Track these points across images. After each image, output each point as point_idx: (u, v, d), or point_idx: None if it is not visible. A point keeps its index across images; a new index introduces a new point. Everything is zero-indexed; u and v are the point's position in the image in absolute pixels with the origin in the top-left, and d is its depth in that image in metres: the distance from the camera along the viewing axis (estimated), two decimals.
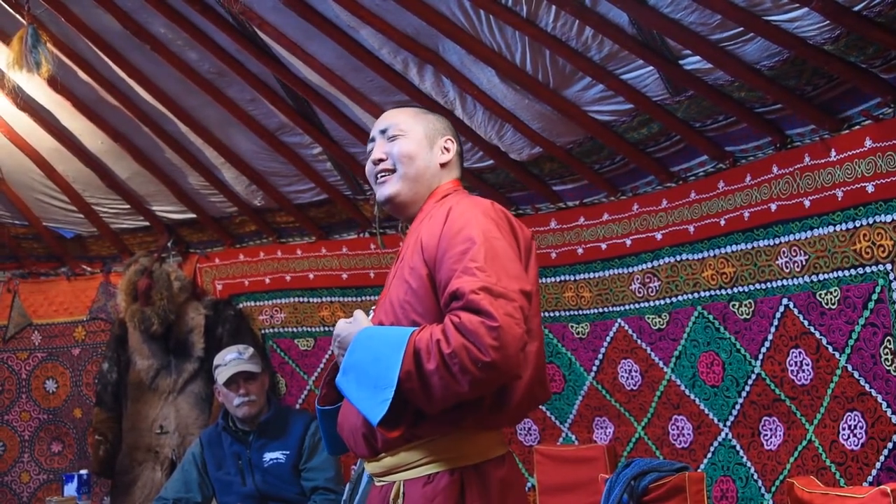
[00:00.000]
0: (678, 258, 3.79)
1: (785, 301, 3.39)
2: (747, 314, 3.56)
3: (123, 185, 4.98)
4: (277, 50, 3.93)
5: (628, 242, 3.98)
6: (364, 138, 4.08)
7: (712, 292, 3.68)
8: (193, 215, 5.07)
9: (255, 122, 4.39)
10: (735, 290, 3.59)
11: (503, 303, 1.88)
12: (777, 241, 3.39)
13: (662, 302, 3.88)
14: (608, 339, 4.10)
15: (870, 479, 3.04)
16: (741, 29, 3.00)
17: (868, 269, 3.07)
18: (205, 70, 4.19)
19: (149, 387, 4.84)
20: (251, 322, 5.03)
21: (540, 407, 4.08)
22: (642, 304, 3.96)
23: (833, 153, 3.15)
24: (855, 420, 3.12)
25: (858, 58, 2.90)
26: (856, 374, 3.12)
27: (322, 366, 4.88)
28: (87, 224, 5.25)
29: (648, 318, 3.94)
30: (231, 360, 4.11)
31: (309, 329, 4.95)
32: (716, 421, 3.72)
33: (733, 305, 3.60)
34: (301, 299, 4.95)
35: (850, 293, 3.13)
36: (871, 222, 3.04)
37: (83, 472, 4.48)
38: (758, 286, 3.50)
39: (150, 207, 5.11)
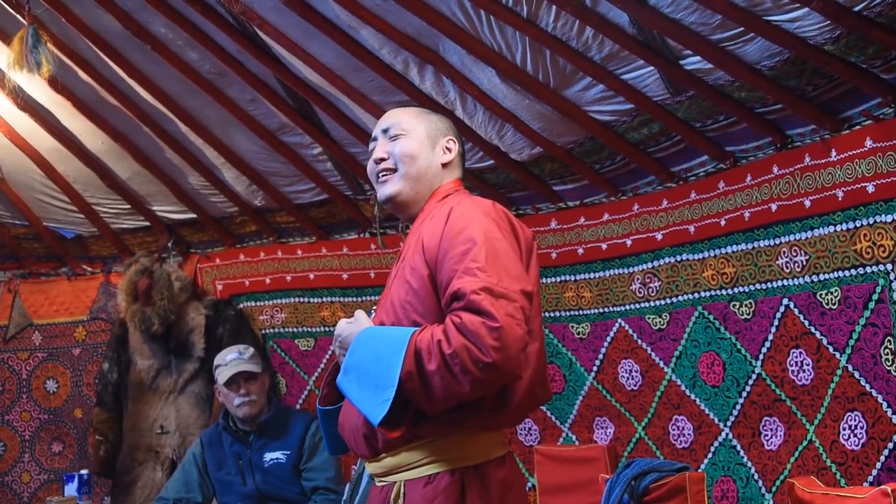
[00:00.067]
0: (679, 258, 3.79)
1: (785, 301, 3.39)
2: (748, 314, 3.56)
3: (124, 185, 4.98)
4: (278, 50, 3.93)
5: (629, 242, 3.98)
6: (364, 138, 4.08)
7: (713, 292, 3.68)
8: (194, 215, 5.07)
9: (256, 123, 4.39)
10: (735, 290, 3.59)
11: (504, 303, 1.88)
12: (777, 242, 3.39)
13: (663, 302, 3.88)
14: (609, 339, 4.10)
15: (870, 479, 3.04)
16: (742, 29, 3.00)
17: (868, 269, 3.07)
18: (205, 70, 4.19)
19: (149, 387, 4.84)
20: (252, 322, 5.03)
21: (540, 407, 4.08)
22: (643, 305, 3.96)
23: (833, 153, 3.15)
24: (855, 420, 3.12)
25: (859, 58, 2.90)
26: (856, 375, 3.12)
27: (322, 366, 4.88)
28: (88, 224, 5.25)
29: (649, 318, 3.94)
30: (231, 360, 4.11)
31: (309, 329, 4.95)
32: (716, 421, 3.72)
33: (734, 305, 3.60)
34: (301, 299, 4.95)
35: (851, 293, 3.13)
36: (871, 222, 3.04)
37: (84, 472, 4.48)
38: (758, 286, 3.50)
39: (150, 207, 5.12)
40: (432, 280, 2.03)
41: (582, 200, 4.17)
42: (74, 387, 5.34)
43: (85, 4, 3.94)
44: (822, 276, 3.24)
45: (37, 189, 5.09)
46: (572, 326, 4.22)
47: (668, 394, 3.89)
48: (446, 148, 2.27)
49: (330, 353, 4.81)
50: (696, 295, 3.74)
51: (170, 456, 4.74)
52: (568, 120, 3.75)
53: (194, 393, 4.80)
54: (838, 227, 3.15)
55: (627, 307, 4.02)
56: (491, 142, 4.04)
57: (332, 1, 3.53)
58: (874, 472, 3.04)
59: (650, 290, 3.91)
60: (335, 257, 4.87)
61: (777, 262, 3.41)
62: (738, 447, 3.63)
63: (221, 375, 4.08)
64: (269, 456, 4.01)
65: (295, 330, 4.98)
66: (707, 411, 3.75)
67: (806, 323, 3.31)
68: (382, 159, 2.24)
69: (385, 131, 2.27)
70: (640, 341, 3.98)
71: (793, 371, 3.38)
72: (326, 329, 4.88)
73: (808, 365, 3.31)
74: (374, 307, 2.23)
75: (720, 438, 3.71)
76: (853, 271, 3.12)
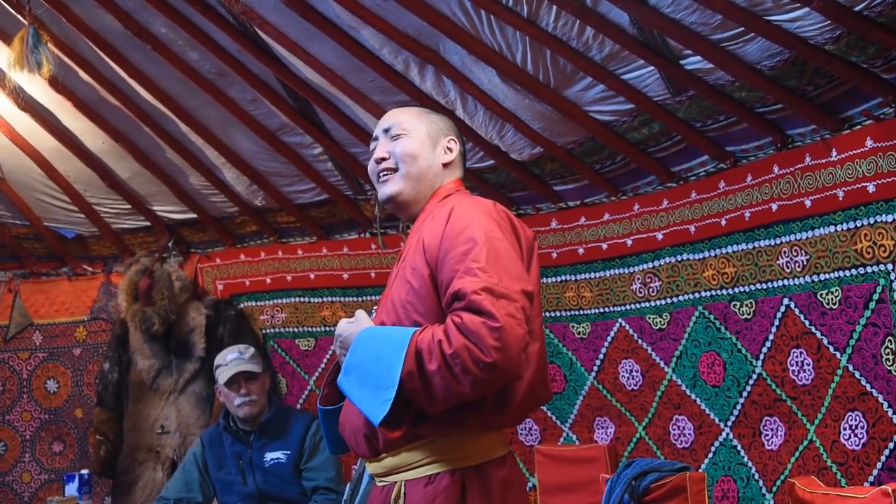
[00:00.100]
0: (679, 258, 3.79)
1: (786, 301, 3.39)
2: (748, 314, 3.56)
3: (124, 185, 4.98)
4: (278, 50, 3.93)
5: (629, 242, 3.98)
6: (365, 138, 4.08)
7: (713, 292, 3.68)
8: (194, 215, 5.07)
9: (256, 122, 4.39)
10: (736, 290, 3.59)
11: (505, 303, 1.88)
12: (778, 241, 3.39)
13: (663, 302, 3.88)
14: (609, 339, 4.10)
15: (871, 479, 3.04)
16: (742, 29, 3.00)
17: (869, 269, 3.08)
18: (206, 70, 4.19)
19: (150, 387, 4.84)
20: (252, 322, 5.03)
21: (541, 407, 4.07)
22: (643, 304, 3.96)
23: (834, 153, 3.15)
24: (856, 420, 3.12)
25: (859, 58, 2.90)
26: (857, 374, 3.12)
27: (323, 366, 4.88)
28: (88, 224, 5.25)
29: (649, 318, 3.94)
30: (232, 360, 4.12)
31: (310, 329, 4.95)
32: (717, 421, 3.72)
33: (734, 305, 3.61)
34: (302, 299, 4.95)
35: (852, 293, 3.13)
36: (872, 222, 3.04)
37: (84, 471, 4.48)
38: (759, 286, 3.50)
39: (151, 207, 5.12)
40: (433, 280, 2.03)
41: (582, 200, 4.17)
42: (75, 387, 5.34)
43: (85, 4, 3.94)
44: (822, 276, 3.24)
45: (37, 189, 5.09)
46: (573, 326, 4.22)
47: (668, 394, 3.89)
48: (447, 148, 2.27)
49: (330, 352, 4.82)
50: (697, 295, 3.74)
51: (170, 456, 4.74)
52: (568, 120, 3.75)
53: (195, 393, 4.80)
54: (839, 227, 3.15)
55: (628, 307, 4.02)
56: (491, 142, 4.04)
57: (332, 1, 3.53)
58: (875, 472, 3.04)
59: (651, 289, 3.91)
60: (336, 257, 4.87)
61: (778, 262, 3.41)
62: (739, 447, 3.63)
63: (222, 375, 4.08)
64: (269, 456, 4.01)
65: (295, 330, 4.98)
66: (707, 411, 3.75)
67: (806, 323, 3.31)
68: (383, 159, 2.24)
69: (386, 131, 2.27)
70: (640, 341, 3.98)
71: (793, 371, 3.38)
72: (327, 329, 4.88)
73: (808, 365, 3.31)
74: (375, 307, 2.23)
75: (721, 438, 3.71)
76: (854, 271, 3.12)
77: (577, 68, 3.50)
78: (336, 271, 4.86)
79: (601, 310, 4.12)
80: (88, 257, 5.45)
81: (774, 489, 3.46)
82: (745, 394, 3.59)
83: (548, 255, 4.21)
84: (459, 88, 3.82)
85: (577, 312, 4.21)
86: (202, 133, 4.50)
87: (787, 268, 3.37)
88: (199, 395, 4.79)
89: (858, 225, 3.09)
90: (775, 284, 3.43)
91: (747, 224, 3.50)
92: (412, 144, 2.23)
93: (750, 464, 3.58)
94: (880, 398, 3.04)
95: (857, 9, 2.71)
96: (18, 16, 3.87)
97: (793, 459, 3.38)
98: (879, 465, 3.03)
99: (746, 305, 3.56)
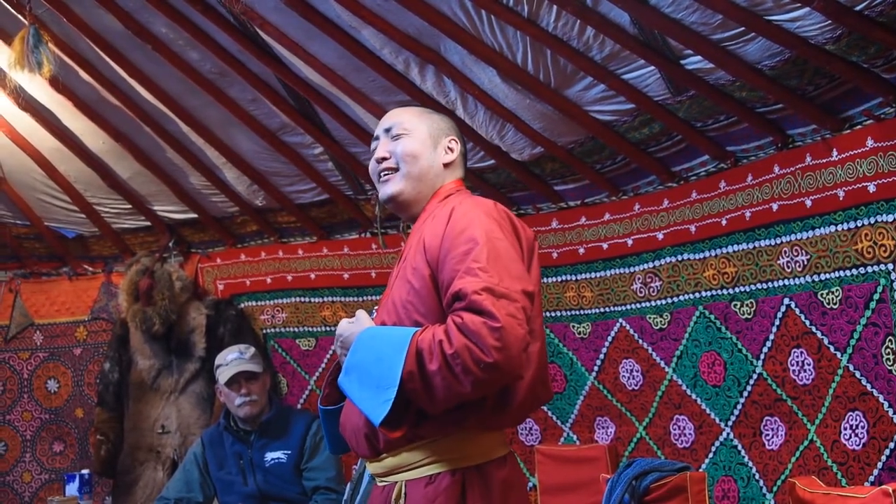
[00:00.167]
0: (680, 258, 3.79)
1: (786, 301, 3.39)
2: (749, 314, 3.56)
3: (125, 184, 4.98)
4: (279, 50, 3.93)
5: (630, 242, 3.98)
6: (366, 138, 4.09)
7: (714, 292, 3.68)
8: (195, 215, 5.07)
9: (257, 122, 4.39)
10: (736, 289, 3.59)
11: (505, 303, 1.88)
12: (778, 241, 3.39)
13: (664, 302, 3.88)
14: (609, 338, 4.10)
15: (871, 478, 3.04)
16: (742, 29, 3.00)
17: (869, 269, 3.08)
18: (206, 70, 4.19)
19: (150, 387, 4.84)
20: (252, 322, 5.03)
21: (541, 407, 4.08)
22: (644, 304, 3.96)
23: (834, 153, 3.15)
24: (856, 420, 3.12)
25: (860, 57, 2.90)
26: (857, 374, 3.12)
27: (323, 366, 4.88)
28: (89, 224, 5.25)
29: (650, 317, 3.94)
30: (232, 359, 4.12)
31: (310, 329, 4.95)
32: (717, 421, 3.72)
33: (735, 305, 3.60)
34: (302, 299, 4.95)
35: (852, 293, 3.13)
36: (872, 222, 3.04)
37: (85, 471, 4.48)
38: (759, 286, 3.50)
39: (151, 207, 5.12)
40: (434, 280, 2.03)
41: (583, 200, 4.17)
42: (75, 386, 5.35)
43: (86, 4, 3.95)
44: (823, 276, 3.24)
45: (38, 189, 5.09)
46: (573, 326, 4.22)
47: (669, 393, 3.89)
48: (448, 148, 2.27)
49: (331, 352, 4.82)
50: (697, 294, 3.74)
51: (171, 456, 4.75)
52: (569, 120, 3.75)
53: (195, 393, 4.80)
54: (839, 227, 3.15)
55: (628, 307, 4.02)
56: (492, 141, 4.04)
57: (333, 1, 3.53)
58: (875, 471, 3.04)
59: (651, 289, 3.91)
60: (336, 257, 4.87)
61: (778, 262, 3.41)
62: (739, 447, 3.63)
63: (222, 375, 4.08)
64: (270, 456, 4.01)
65: (296, 330, 4.98)
66: (708, 411, 3.75)
67: (807, 323, 3.31)
68: (384, 158, 2.24)
69: (387, 131, 2.27)
70: (641, 341, 3.98)
71: (794, 371, 3.38)
72: (327, 329, 4.88)
73: (809, 365, 3.31)
74: (376, 307, 2.23)
75: (721, 438, 3.71)
76: (854, 271, 3.12)
77: (578, 68, 3.50)
78: (337, 271, 4.86)
79: (602, 310, 4.12)
80: (89, 257, 5.46)
81: (775, 489, 3.46)
82: (745, 394, 3.59)
83: (548, 254, 4.21)
84: (460, 88, 3.82)
85: (577, 312, 4.21)
86: (203, 133, 4.50)
87: (788, 268, 3.37)
88: (200, 395, 4.79)
89: (859, 225, 3.09)
90: (776, 284, 3.43)
91: (748, 224, 3.50)
92: (413, 144, 2.23)
93: (750, 464, 3.58)
94: (881, 398, 3.04)
95: (858, 8, 2.71)
96: (19, 16, 3.87)
97: (793, 459, 3.38)
98: (880, 464, 3.03)
99: (747, 305, 3.56)
